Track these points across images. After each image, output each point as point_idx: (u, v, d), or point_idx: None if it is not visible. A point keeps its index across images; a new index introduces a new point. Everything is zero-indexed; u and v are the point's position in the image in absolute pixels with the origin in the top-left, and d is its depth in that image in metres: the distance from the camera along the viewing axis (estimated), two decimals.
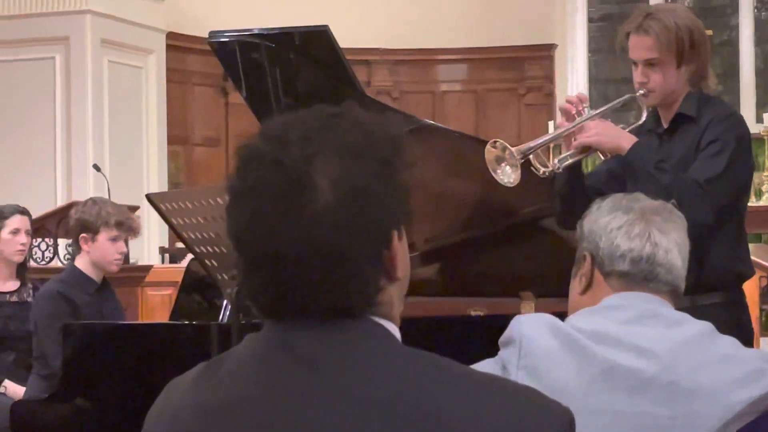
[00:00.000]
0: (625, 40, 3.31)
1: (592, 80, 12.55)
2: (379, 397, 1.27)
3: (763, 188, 9.73)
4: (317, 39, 3.66)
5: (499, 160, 3.12)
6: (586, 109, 3.27)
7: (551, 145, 3.22)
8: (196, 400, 1.36)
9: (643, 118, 3.32)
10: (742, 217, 3.32)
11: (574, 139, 3.21)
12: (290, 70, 3.73)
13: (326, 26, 3.59)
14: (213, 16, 10.71)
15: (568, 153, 3.22)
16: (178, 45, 11.09)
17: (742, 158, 3.21)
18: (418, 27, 12.11)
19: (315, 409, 1.28)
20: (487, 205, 3.80)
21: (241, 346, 1.38)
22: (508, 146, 3.11)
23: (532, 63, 12.38)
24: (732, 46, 11.76)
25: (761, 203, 9.56)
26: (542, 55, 12.34)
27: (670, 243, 2.10)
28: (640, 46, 3.26)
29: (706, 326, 2.05)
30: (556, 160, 3.21)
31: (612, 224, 2.12)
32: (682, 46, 3.22)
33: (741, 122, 3.29)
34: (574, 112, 3.25)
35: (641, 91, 3.28)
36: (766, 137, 10.08)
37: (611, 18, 12.54)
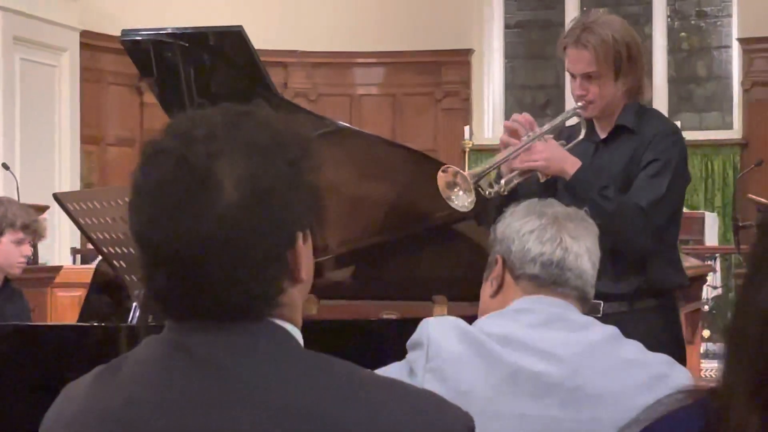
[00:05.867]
0: (563, 52, 3.32)
1: (508, 86, 12.64)
2: (278, 401, 1.26)
3: None
4: (231, 39, 3.63)
5: (451, 186, 3.12)
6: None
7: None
8: (94, 404, 1.33)
9: (582, 134, 3.35)
10: (678, 226, 3.39)
11: (519, 160, 3.21)
12: (204, 70, 3.69)
13: (240, 27, 3.56)
14: (128, 15, 10.58)
15: (512, 174, 3.22)
16: (92, 44, 10.94)
17: (682, 176, 3.29)
18: (335, 30, 12.10)
19: (212, 412, 1.26)
20: (401, 208, 3.80)
21: (139, 348, 1.35)
22: (460, 171, 3.11)
23: (449, 68, 12.42)
24: (645, 54, 11.90)
25: None
26: (459, 60, 12.39)
27: (580, 249, 2.11)
28: (578, 60, 3.27)
29: (611, 331, 2.06)
30: (502, 182, 3.21)
31: (525, 228, 2.13)
32: (620, 60, 3.27)
33: (682, 139, 3.35)
34: (522, 132, 3.23)
35: (580, 104, 3.30)
36: None
37: (527, 24, 12.66)
